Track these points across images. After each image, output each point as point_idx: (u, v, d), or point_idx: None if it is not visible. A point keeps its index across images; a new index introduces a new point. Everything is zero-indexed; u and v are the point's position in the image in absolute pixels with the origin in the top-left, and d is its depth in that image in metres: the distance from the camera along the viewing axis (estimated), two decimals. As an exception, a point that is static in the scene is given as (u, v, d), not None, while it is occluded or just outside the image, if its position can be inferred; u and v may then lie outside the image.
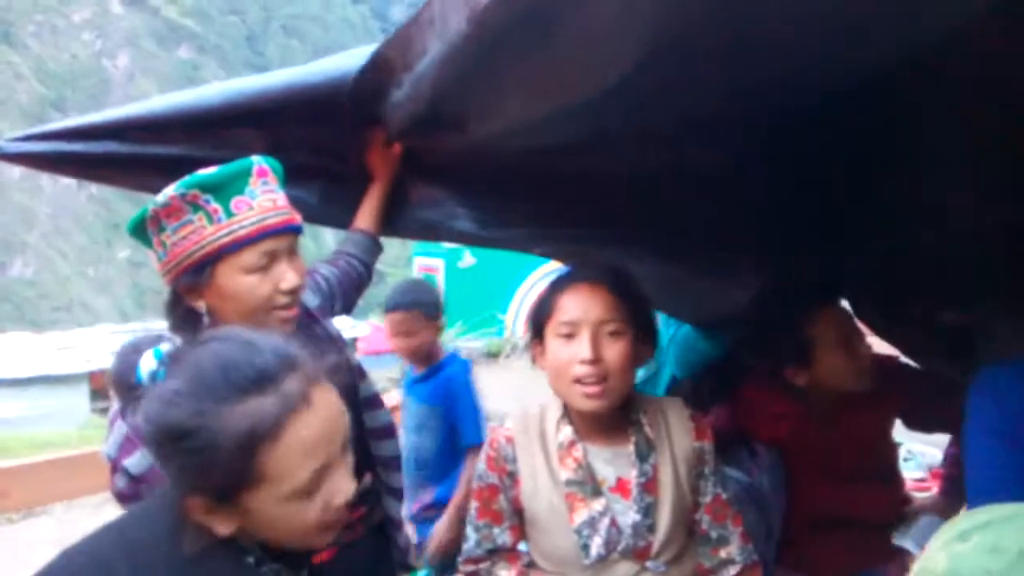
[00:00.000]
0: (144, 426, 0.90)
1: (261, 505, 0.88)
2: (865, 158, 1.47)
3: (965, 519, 0.74)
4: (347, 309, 1.66)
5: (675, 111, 1.29)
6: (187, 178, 1.27)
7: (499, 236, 1.81)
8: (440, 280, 10.20)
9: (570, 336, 1.35)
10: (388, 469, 1.61)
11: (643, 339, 1.38)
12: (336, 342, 1.54)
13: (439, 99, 1.28)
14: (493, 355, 8.45)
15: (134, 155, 1.51)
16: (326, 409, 0.91)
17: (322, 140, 1.59)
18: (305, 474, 0.88)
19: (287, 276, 1.32)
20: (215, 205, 1.28)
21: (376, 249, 1.71)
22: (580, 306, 1.35)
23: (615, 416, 1.42)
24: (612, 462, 1.41)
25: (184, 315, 1.33)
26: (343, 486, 0.93)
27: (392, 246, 1.72)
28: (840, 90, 1.19)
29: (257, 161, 1.32)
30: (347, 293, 1.64)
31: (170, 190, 1.27)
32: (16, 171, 32.65)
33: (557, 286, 1.41)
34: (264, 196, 1.31)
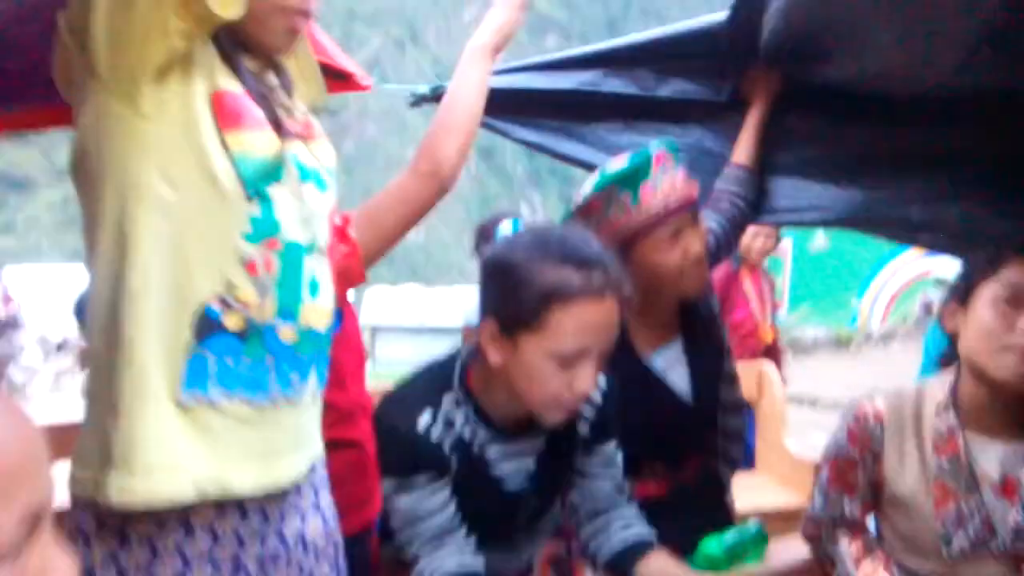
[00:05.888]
0: (486, 257, 1.20)
1: (529, 350, 1.11)
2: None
3: None
4: (729, 252, 1.81)
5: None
6: (600, 177, 1.49)
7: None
8: (787, 263, 9.76)
9: (1019, 305, 1.27)
10: (730, 441, 1.72)
11: None
12: (715, 320, 1.70)
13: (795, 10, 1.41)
14: (843, 343, 7.92)
15: (588, 93, 1.81)
16: (609, 313, 1.12)
17: (700, 71, 1.75)
18: (572, 343, 1.10)
19: (693, 244, 1.50)
20: (626, 194, 1.47)
21: (756, 183, 1.75)
22: None
23: (1013, 409, 1.33)
24: (1000, 459, 1.33)
25: None
26: (588, 379, 1.13)
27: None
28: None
29: (655, 148, 1.50)
30: (731, 240, 1.74)
31: (588, 191, 1.50)
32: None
33: (1008, 251, 1.32)
34: (664, 180, 1.48)
